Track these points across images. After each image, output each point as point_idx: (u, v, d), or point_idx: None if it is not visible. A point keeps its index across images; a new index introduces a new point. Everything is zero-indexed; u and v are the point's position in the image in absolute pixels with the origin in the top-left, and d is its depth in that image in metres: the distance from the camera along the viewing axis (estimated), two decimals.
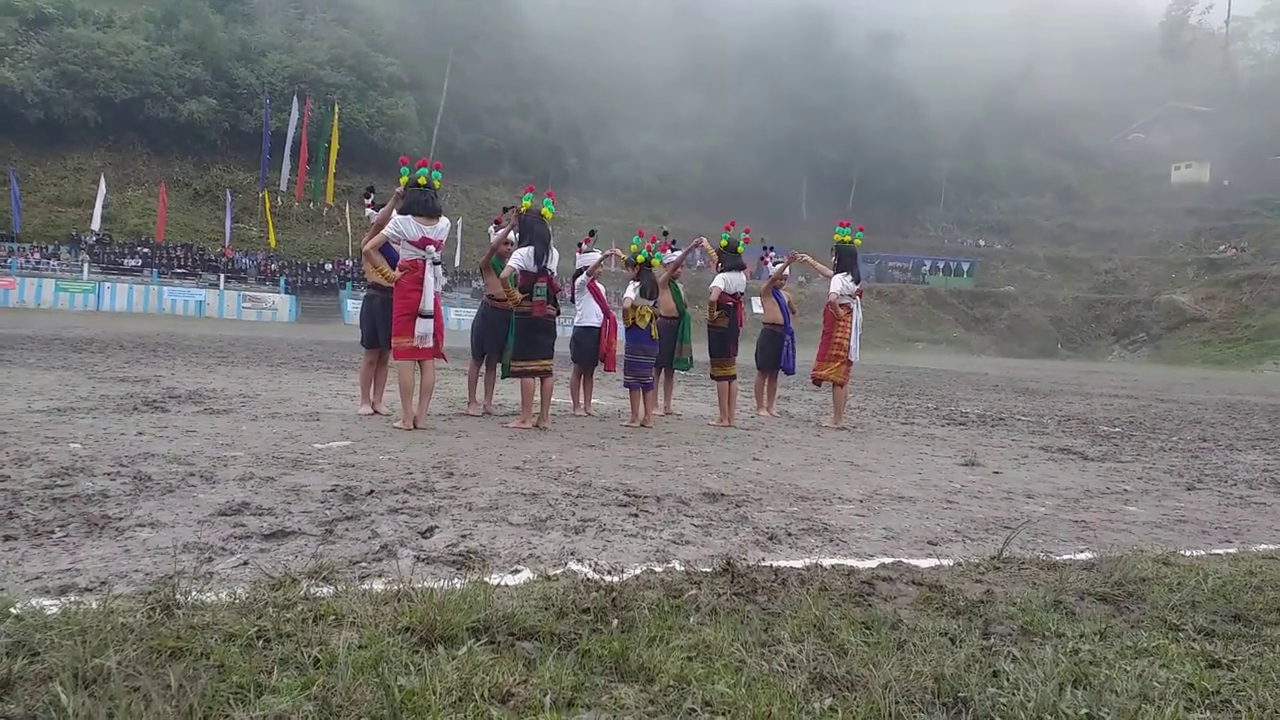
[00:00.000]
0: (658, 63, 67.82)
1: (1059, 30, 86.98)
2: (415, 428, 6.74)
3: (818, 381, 9.11)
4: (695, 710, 2.01)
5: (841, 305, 8.93)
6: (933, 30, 75.94)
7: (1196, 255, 66.15)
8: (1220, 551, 4.03)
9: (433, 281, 6.90)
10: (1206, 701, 2.22)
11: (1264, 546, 4.19)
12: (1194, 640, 2.67)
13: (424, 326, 6.85)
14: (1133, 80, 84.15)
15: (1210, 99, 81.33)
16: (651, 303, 8.32)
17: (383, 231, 6.99)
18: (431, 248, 6.88)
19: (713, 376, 8.87)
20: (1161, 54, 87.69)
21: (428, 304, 6.85)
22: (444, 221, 7.05)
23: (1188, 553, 3.91)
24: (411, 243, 6.83)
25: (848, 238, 9.08)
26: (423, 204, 6.89)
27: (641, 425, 7.90)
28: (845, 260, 9.00)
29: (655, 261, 8.52)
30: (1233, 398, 18.46)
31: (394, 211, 7.12)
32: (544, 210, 7.48)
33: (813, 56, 69.39)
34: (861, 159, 69.03)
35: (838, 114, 67.23)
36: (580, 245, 8.98)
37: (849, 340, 8.90)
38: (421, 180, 6.94)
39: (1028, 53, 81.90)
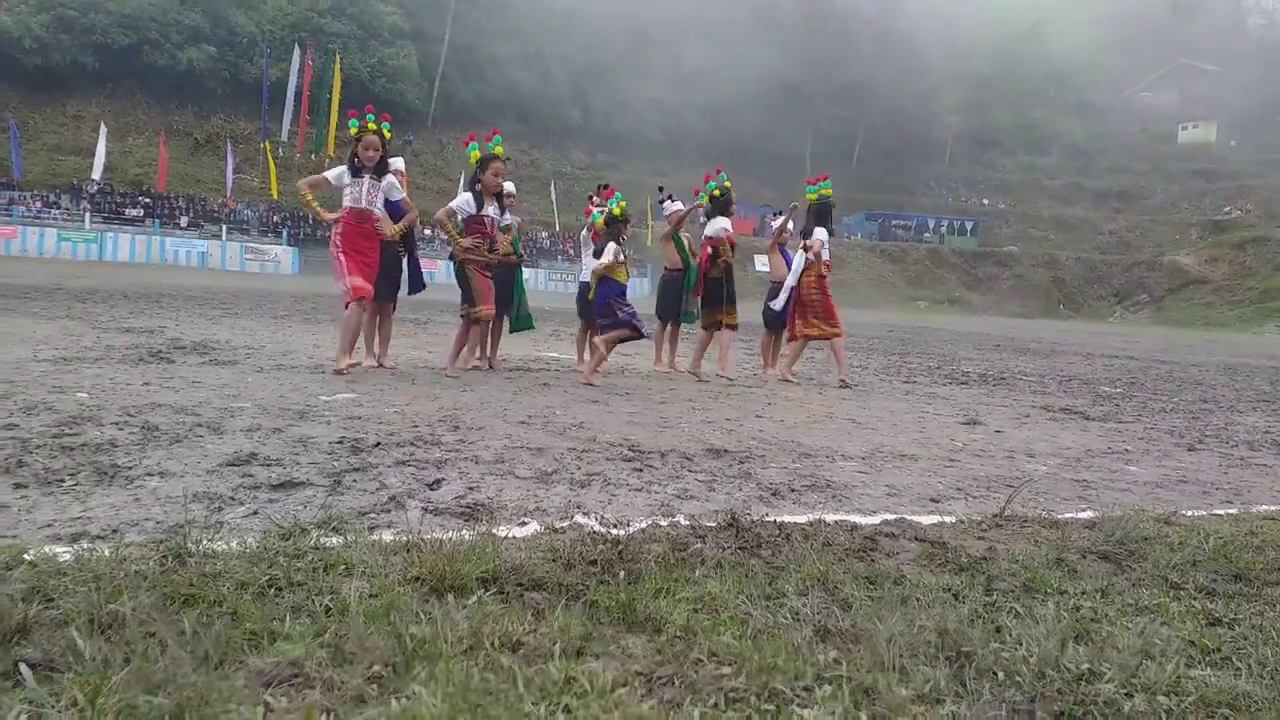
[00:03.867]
0: (662, 13, 66.80)
1: None
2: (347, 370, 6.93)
3: (808, 338, 9.06)
4: (701, 660, 2.03)
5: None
6: None
7: (1201, 216, 65.75)
8: (1221, 512, 4.06)
9: None
10: (1207, 659, 2.25)
11: (1265, 507, 4.21)
12: (1195, 599, 2.70)
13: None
14: (1142, 37, 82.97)
15: (1219, 58, 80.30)
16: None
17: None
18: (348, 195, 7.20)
19: (725, 325, 8.80)
20: (1172, 10, 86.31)
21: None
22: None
23: (1189, 513, 3.94)
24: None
25: (820, 193, 9.07)
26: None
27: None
28: (816, 216, 9.00)
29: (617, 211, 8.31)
30: (1234, 360, 18.47)
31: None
32: (496, 149, 7.52)
33: (819, 9, 68.34)
34: (867, 115, 68.32)
35: (844, 68, 66.36)
36: (591, 199, 8.92)
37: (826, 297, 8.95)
38: (352, 130, 7.23)
39: (1037, 7, 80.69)
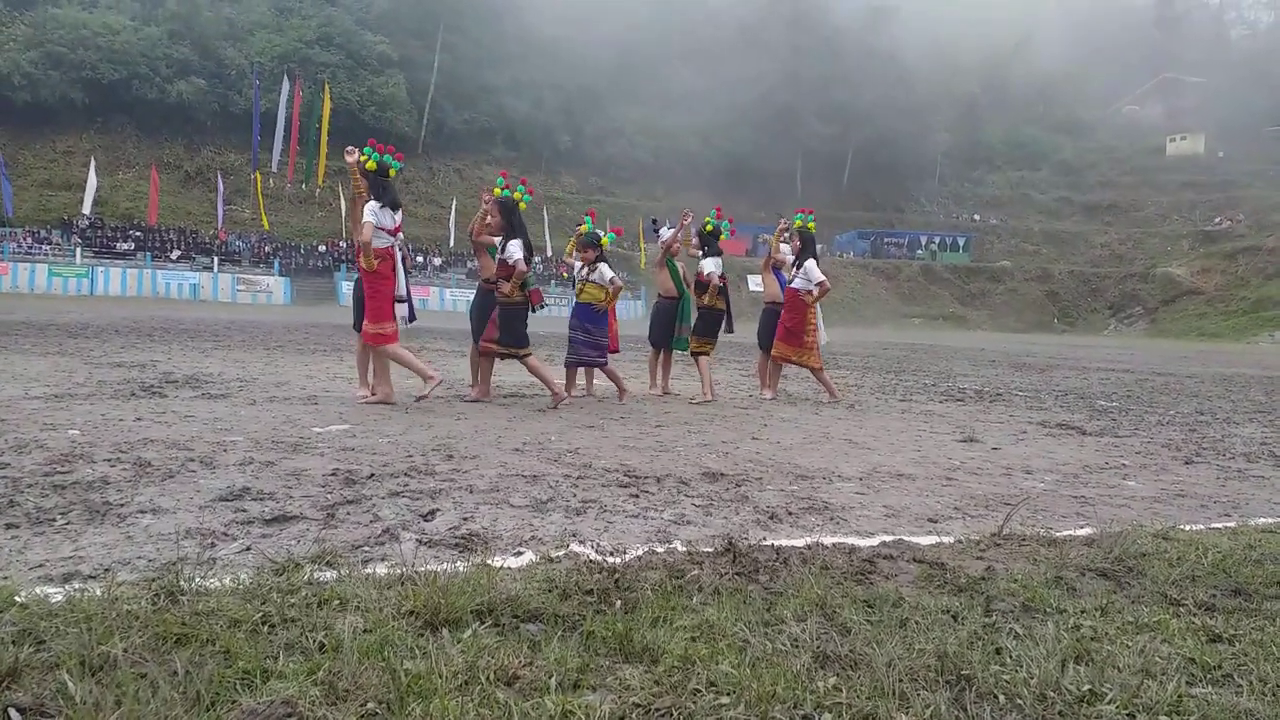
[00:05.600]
0: (651, 37, 67.31)
1: (1053, 1, 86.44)
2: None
3: (782, 362, 9.20)
4: (700, 690, 2.01)
5: (809, 293, 9.02)
6: (926, 3, 75.35)
7: (1192, 228, 66.10)
8: (1219, 525, 4.04)
9: (403, 270, 7.28)
10: (1208, 676, 2.23)
11: (1263, 520, 4.20)
12: (1195, 615, 2.68)
13: (402, 309, 7.28)
14: (1127, 51, 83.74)
15: (1204, 70, 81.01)
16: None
17: (368, 220, 7.00)
18: (402, 235, 7.31)
19: (694, 353, 8.93)
20: (1156, 24, 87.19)
21: (402, 288, 7.23)
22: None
23: (1187, 527, 3.93)
24: (388, 231, 7.07)
25: (812, 225, 9.24)
26: (394, 198, 7.16)
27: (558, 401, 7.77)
28: (810, 247, 9.13)
29: (604, 241, 8.56)
30: (1229, 370, 18.51)
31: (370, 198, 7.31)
32: (520, 203, 7.57)
33: (807, 29, 68.89)
34: (856, 134, 68.68)
35: (832, 87, 66.83)
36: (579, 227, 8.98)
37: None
38: (392, 173, 7.15)
39: (1023, 24, 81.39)
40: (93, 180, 42.24)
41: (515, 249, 7.28)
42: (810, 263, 9.00)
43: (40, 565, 2.76)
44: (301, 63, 54.32)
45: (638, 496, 4.14)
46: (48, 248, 39.72)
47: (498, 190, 7.59)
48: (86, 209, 42.59)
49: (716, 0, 71.05)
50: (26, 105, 47.61)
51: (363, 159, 7.07)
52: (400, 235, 7.22)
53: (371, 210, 6.93)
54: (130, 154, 51.37)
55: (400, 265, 7.20)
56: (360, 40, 58.52)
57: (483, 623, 2.35)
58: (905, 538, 3.54)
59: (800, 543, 3.37)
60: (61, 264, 38.23)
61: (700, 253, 9.03)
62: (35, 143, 48.85)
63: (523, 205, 7.59)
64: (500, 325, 7.50)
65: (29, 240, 39.75)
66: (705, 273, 8.90)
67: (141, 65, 50.60)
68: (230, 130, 52.97)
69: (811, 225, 9.29)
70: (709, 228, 9.01)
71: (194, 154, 53.20)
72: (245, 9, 57.71)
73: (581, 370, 8.91)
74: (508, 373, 9.96)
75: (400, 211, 7.25)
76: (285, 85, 48.12)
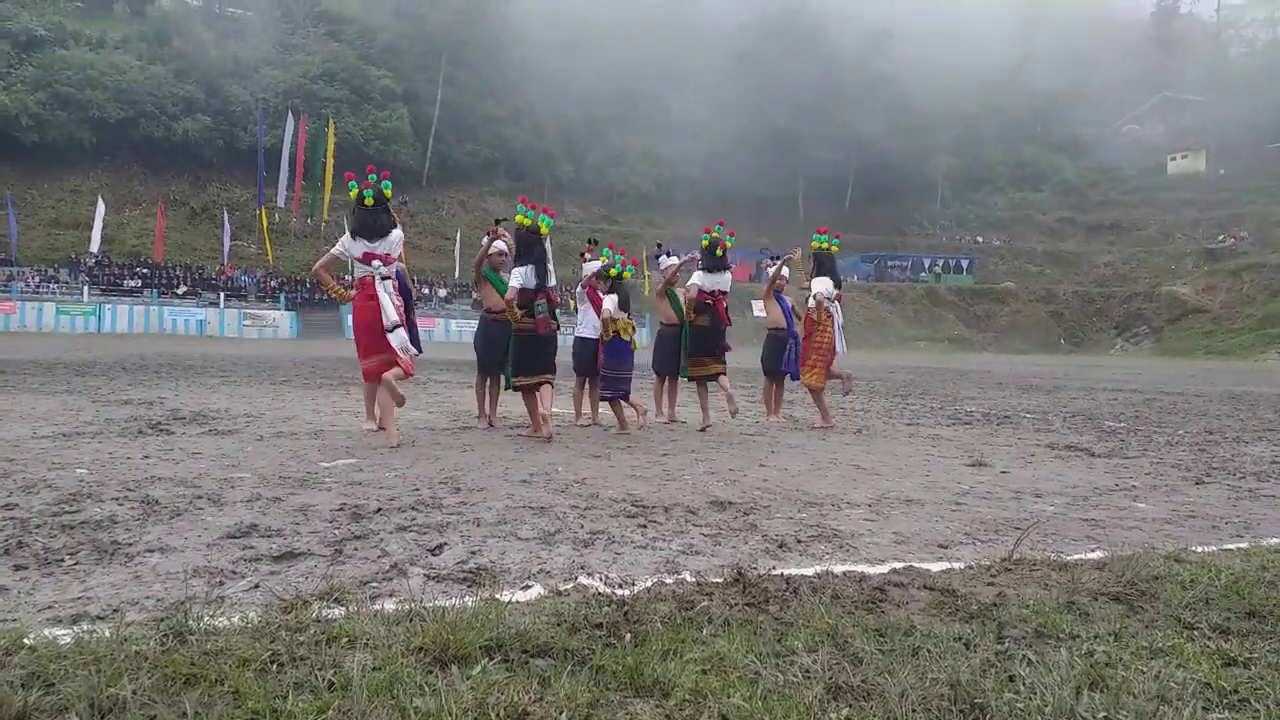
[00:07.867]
0: (651, 65, 67.71)
1: (1051, 21, 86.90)
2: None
3: (813, 389, 9.11)
4: None
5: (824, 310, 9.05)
6: (924, 25, 75.75)
7: (1195, 246, 66.01)
8: (1232, 546, 4.01)
9: (387, 295, 6.89)
10: (1224, 701, 2.21)
11: (1276, 540, 4.17)
12: (1209, 638, 2.66)
13: (399, 339, 6.89)
14: (1125, 71, 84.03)
15: (1204, 88, 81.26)
16: (628, 315, 8.33)
17: (332, 251, 7.18)
18: (377, 262, 6.93)
19: (691, 378, 8.94)
20: (1154, 44, 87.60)
21: (390, 316, 6.84)
22: (395, 234, 7.09)
23: (1199, 549, 3.90)
24: (357, 260, 6.99)
25: (826, 244, 9.19)
26: (365, 227, 6.94)
27: (621, 431, 7.99)
28: (821, 267, 9.14)
29: (626, 274, 8.44)
30: (1237, 389, 18.43)
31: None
32: (541, 226, 7.46)
33: (805, 55, 69.23)
34: (857, 158, 68.88)
35: (832, 113, 67.08)
36: (583, 255, 8.99)
37: (831, 342, 9.03)
38: (369, 201, 6.94)
39: (1021, 45, 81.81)
40: (100, 218, 42.55)
41: (514, 278, 7.24)
42: (819, 280, 9.05)
43: (49, 606, 2.76)
44: (306, 98, 54.83)
45: (645, 527, 4.13)
46: (55, 286, 39.91)
47: (521, 218, 7.46)
48: (94, 247, 42.88)
49: (715, 28, 71.44)
50: (34, 145, 48.08)
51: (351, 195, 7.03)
52: (378, 263, 6.92)
53: (340, 243, 7.07)
54: (137, 191, 51.75)
55: (382, 294, 6.87)
56: (364, 75, 59.09)
57: (492, 658, 2.33)
58: (915, 564, 3.52)
59: (810, 571, 3.36)
60: (69, 302, 38.40)
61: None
62: (43, 182, 49.25)
63: (544, 229, 7.46)
64: (517, 352, 7.43)
65: (36, 279, 39.94)
66: (690, 286, 8.98)
67: (148, 104, 51.12)
68: (235, 167, 53.39)
69: (834, 246, 9.23)
70: (705, 243, 8.99)
71: (200, 191, 53.58)
72: (250, 46, 58.27)
73: (585, 399, 8.94)
74: (514, 403, 9.95)
75: (390, 235, 7.01)
76: (290, 121, 48.56)
